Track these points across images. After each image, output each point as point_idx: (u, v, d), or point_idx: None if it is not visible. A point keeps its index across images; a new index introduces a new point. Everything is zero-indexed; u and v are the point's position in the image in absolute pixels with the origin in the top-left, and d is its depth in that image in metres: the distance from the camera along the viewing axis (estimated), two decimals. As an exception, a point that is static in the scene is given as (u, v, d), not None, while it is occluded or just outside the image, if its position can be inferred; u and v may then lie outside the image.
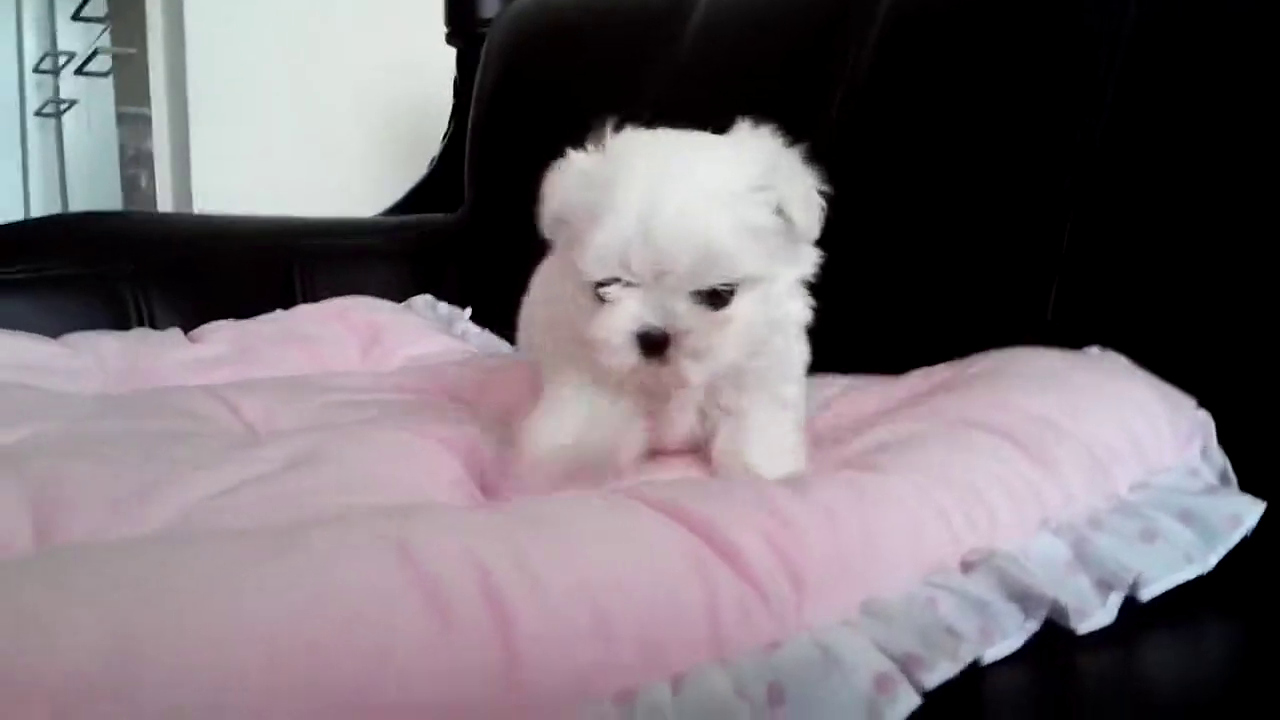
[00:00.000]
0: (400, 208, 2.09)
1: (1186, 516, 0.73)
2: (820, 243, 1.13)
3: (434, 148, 2.17)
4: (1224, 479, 0.81)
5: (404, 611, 0.44)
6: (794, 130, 1.24)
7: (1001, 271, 1.07)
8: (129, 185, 3.17)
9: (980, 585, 0.62)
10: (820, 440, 0.83)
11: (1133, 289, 0.99)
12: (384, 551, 0.47)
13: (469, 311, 1.70)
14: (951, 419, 0.78)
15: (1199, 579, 0.70)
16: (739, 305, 0.63)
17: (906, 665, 0.53)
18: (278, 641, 0.40)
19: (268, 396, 1.12)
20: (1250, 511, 0.74)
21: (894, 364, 1.03)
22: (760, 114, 1.33)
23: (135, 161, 3.22)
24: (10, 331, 1.32)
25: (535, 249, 1.66)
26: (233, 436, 0.94)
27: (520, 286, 1.71)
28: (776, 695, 0.49)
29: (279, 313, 1.58)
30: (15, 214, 3.62)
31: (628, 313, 0.62)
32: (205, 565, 0.45)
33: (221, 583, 0.43)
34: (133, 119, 3.10)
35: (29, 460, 0.71)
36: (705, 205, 0.61)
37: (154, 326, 1.56)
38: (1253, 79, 0.94)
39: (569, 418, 0.73)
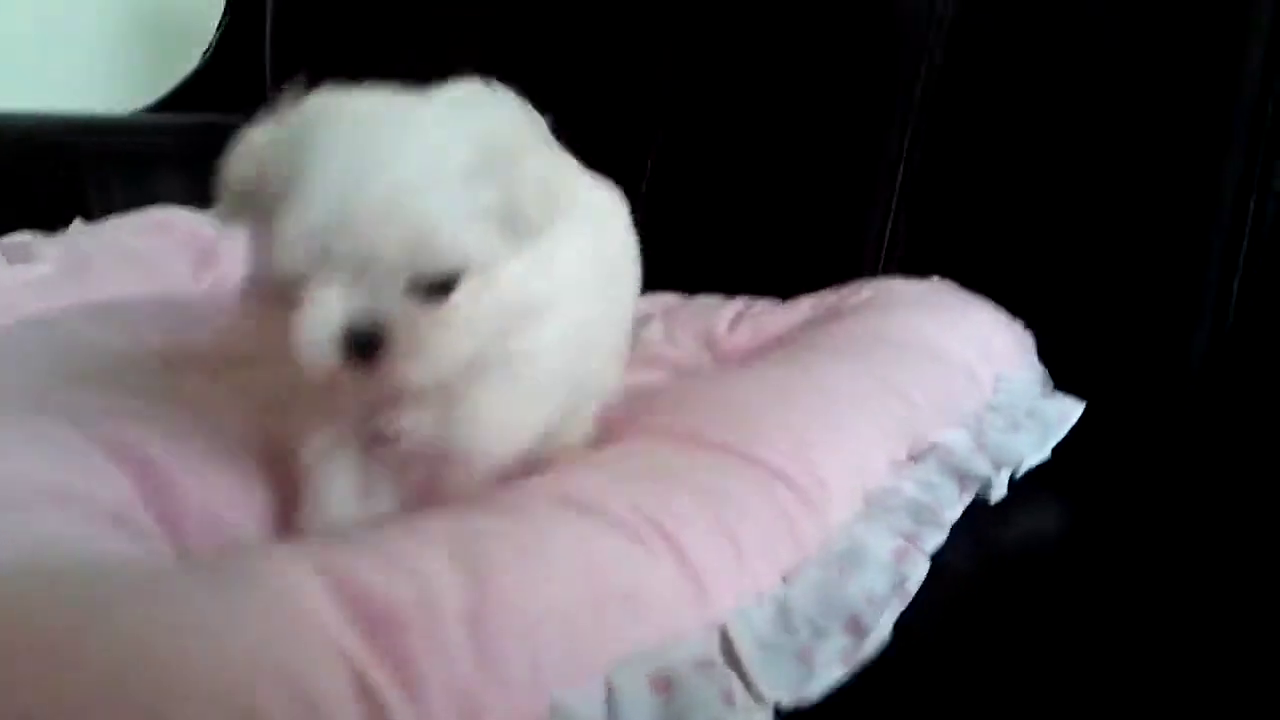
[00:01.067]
0: (165, 106, 1.97)
1: (1031, 414, 0.97)
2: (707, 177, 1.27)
3: (189, 40, 2.04)
4: (1045, 383, 1.06)
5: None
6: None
7: (851, 214, 1.27)
8: None
9: (929, 471, 0.82)
10: (752, 350, 1.01)
11: (959, 228, 1.22)
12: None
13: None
14: (865, 335, 0.97)
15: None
16: (460, 296, 0.54)
17: (913, 539, 0.72)
18: (590, 587, 0.54)
19: (161, 323, 1.11)
20: (1074, 410, 0.98)
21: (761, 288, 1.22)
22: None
23: None
24: None
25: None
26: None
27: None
28: (846, 573, 0.66)
29: (93, 225, 1.49)
30: None
31: (330, 310, 0.52)
32: (518, 534, 0.56)
33: (544, 547, 0.55)
34: None
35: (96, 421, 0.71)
36: (418, 181, 0.52)
37: (-61, 238, 1.42)
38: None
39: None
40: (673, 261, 1.38)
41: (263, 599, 0.45)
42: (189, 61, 2.00)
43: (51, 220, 1.52)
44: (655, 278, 1.35)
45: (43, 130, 1.64)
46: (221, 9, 2.01)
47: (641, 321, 1.16)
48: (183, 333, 1.10)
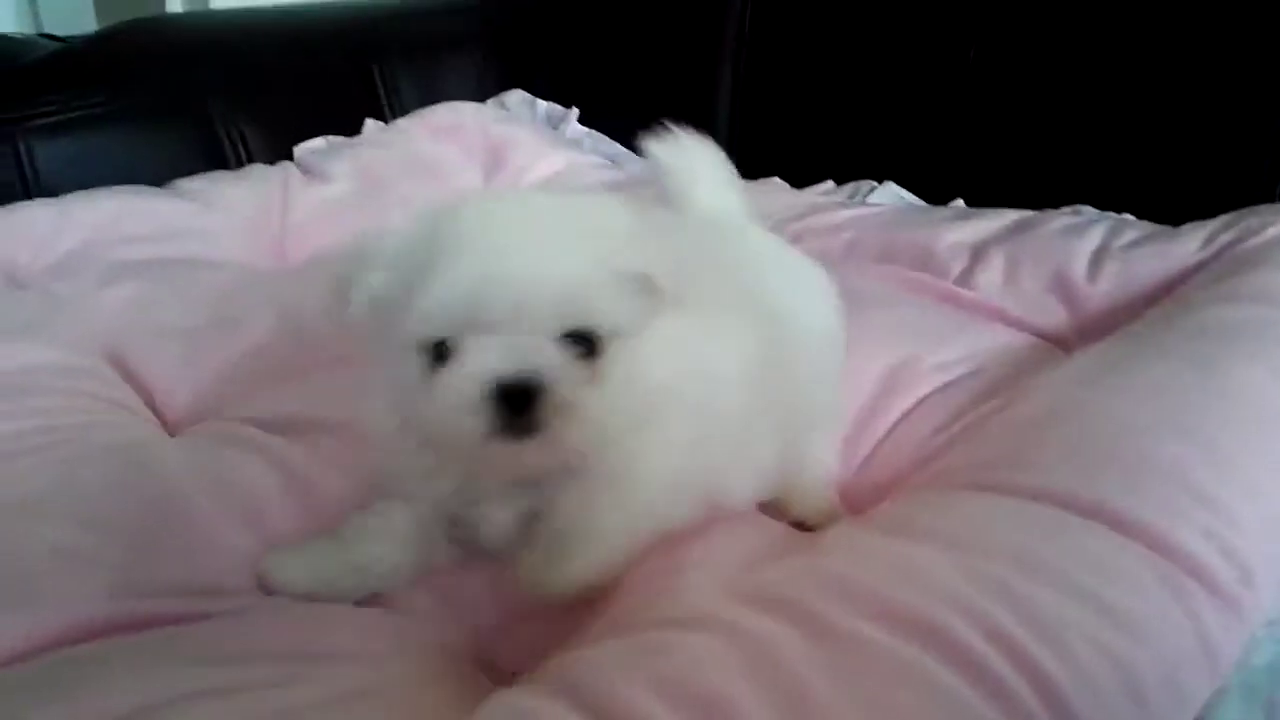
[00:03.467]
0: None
1: None
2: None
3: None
4: None
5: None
6: None
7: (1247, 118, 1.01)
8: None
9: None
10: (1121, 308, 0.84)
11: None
12: None
13: (576, 112, 1.57)
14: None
15: None
16: (613, 359, 0.53)
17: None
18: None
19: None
20: None
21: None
22: None
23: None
24: (121, 189, 1.22)
25: (639, 32, 1.56)
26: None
27: (620, 77, 1.61)
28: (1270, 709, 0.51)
29: (384, 132, 1.47)
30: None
31: (481, 363, 0.50)
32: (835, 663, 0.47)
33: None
34: None
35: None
36: (565, 243, 0.53)
37: (247, 148, 1.45)
38: None
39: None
40: (1011, 169, 1.18)
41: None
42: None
43: (348, 119, 1.52)
44: (991, 189, 1.16)
45: (332, 24, 1.62)
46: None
47: (975, 251, 0.97)
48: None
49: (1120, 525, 0.55)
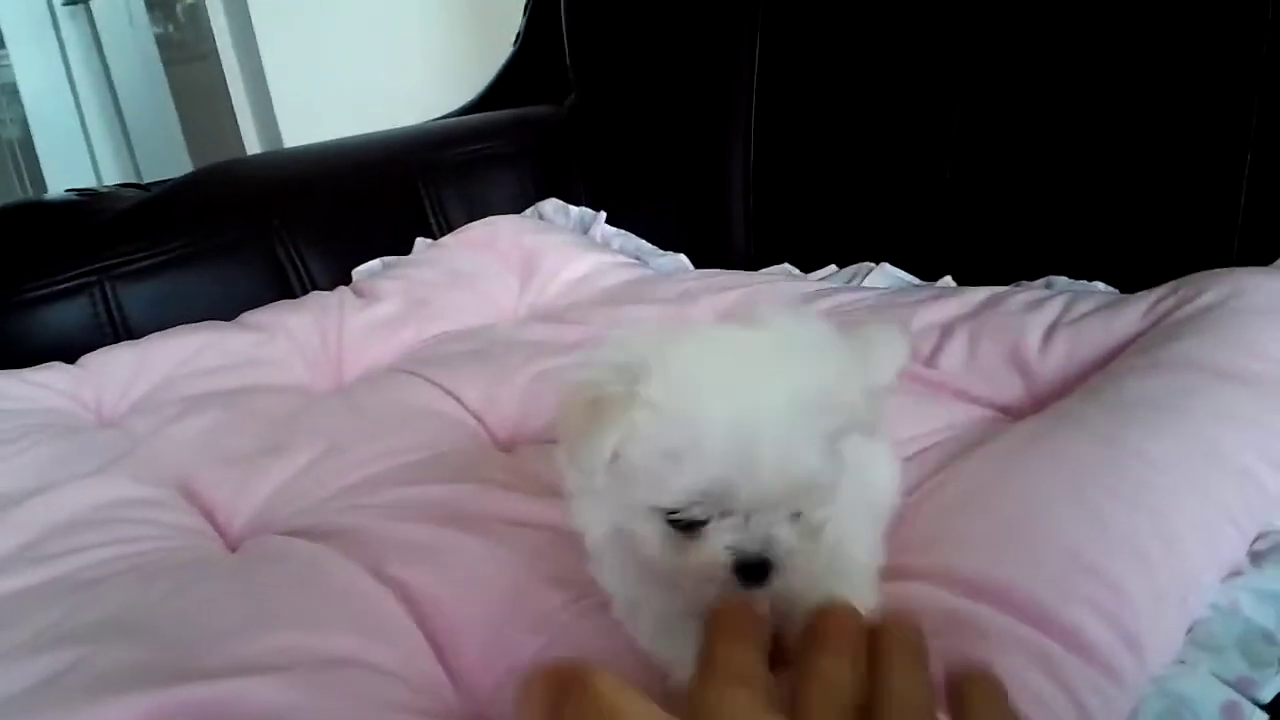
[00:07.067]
0: (489, 98, 2.05)
1: None
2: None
3: (507, 27, 2.11)
4: None
5: None
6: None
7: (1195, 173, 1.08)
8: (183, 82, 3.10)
9: (1273, 576, 0.68)
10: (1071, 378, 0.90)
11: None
12: None
13: (604, 215, 1.71)
14: (1200, 371, 0.81)
15: None
16: (819, 516, 0.59)
17: (1243, 688, 0.60)
18: None
19: (477, 378, 1.17)
20: None
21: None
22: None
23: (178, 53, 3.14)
24: (194, 327, 1.39)
25: (658, 136, 1.69)
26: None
27: (644, 178, 1.75)
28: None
29: (429, 250, 1.62)
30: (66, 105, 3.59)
31: (724, 542, 0.56)
32: None
33: None
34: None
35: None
36: (800, 432, 0.56)
37: (310, 275, 1.61)
38: None
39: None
40: (995, 243, 1.25)
41: None
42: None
43: (400, 239, 1.67)
44: (979, 263, 1.24)
45: (381, 153, 1.78)
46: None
47: (944, 331, 1.05)
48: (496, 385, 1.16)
49: (1007, 606, 0.62)
